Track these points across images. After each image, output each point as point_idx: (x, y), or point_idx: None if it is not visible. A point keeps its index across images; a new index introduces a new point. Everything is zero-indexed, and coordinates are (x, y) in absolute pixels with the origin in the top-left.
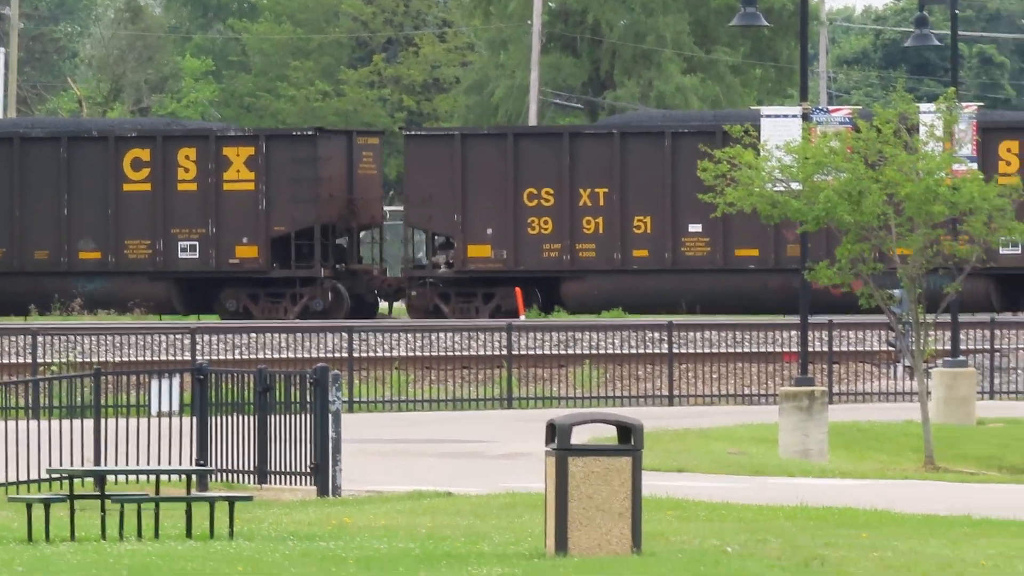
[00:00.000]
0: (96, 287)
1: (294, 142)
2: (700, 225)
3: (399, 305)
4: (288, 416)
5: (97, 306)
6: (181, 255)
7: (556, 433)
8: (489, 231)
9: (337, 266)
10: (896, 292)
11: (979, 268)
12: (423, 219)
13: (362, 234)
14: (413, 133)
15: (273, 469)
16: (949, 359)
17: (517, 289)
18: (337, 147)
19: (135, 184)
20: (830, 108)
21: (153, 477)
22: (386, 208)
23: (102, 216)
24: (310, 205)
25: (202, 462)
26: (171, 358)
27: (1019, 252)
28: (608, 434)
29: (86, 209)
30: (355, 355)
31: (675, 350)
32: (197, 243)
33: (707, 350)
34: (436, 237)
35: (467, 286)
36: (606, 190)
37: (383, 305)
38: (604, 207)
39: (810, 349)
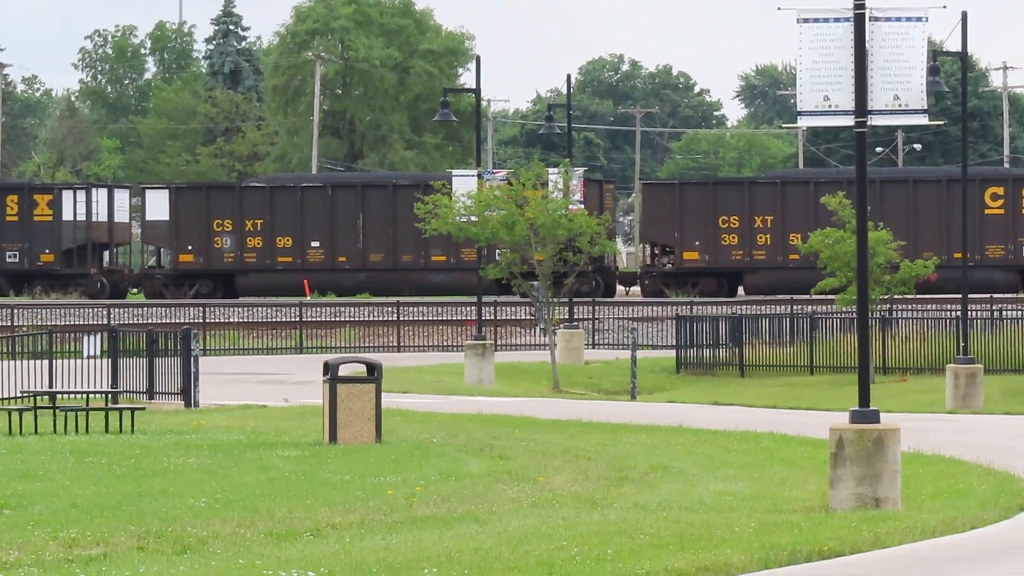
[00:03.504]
0: (442, 279)
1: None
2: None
3: (634, 288)
4: (167, 358)
5: (444, 291)
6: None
7: (329, 369)
8: (697, 243)
9: (592, 263)
10: (535, 283)
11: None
12: (652, 235)
13: None
14: (649, 182)
15: (158, 391)
16: (567, 323)
17: (305, 280)
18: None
19: None
20: (495, 171)
21: (84, 396)
22: None
23: (420, 235)
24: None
25: (114, 386)
26: (96, 323)
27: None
28: (361, 370)
29: (411, 229)
30: (208, 320)
31: (402, 318)
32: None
33: (421, 318)
34: (662, 247)
35: (681, 277)
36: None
37: (620, 288)
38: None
39: (484, 318)
